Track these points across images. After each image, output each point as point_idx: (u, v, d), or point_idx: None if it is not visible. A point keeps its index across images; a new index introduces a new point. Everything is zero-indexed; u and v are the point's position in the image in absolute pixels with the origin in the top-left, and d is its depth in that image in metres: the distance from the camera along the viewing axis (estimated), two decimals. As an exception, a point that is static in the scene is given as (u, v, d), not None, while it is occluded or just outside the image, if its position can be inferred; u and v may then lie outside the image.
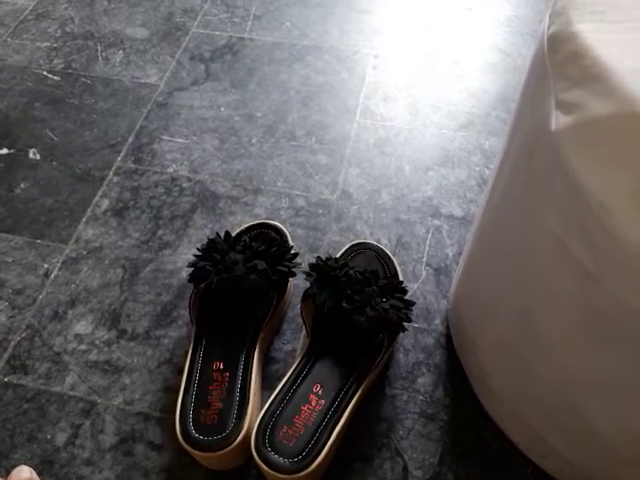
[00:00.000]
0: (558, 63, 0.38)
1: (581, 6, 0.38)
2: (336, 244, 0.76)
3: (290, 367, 0.61)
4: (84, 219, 0.79)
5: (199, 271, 0.62)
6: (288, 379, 0.59)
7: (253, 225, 0.71)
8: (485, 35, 1.04)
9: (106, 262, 0.74)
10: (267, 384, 0.64)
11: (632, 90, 0.32)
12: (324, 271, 0.61)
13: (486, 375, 0.60)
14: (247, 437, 0.55)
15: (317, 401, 0.57)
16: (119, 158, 0.86)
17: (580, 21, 0.37)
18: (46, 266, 0.74)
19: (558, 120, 0.36)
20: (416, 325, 0.69)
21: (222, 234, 0.66)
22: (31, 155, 0.86)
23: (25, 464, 0.58)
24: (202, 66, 0.98)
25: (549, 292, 0.43)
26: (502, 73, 0.97)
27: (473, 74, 0.97)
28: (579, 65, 0.36)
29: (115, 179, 0.83)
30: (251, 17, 1.07)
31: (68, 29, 1.05)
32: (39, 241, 0.76)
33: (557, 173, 0.37)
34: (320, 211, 0.79)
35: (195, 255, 0.64)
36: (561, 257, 0.39)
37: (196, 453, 0.54)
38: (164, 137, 0.88)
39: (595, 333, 0.40)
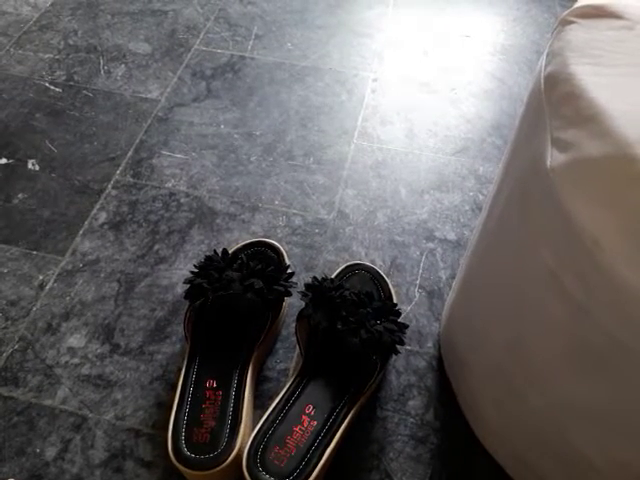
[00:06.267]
0: (554, 102, 0.39)
1: (578, 49, 0.40)
2: (331, 264, 0.77)
3: (283, 387, 0.61)
4: (81, 231, 0.79)
5: (195, 288, 0.62)
6: (281, 399, 0.59)
7: (250, 243, 0.72)
8: (481, 62, 1.06)
9: (102, 275, 0.74)
10: (259, 403, 0.64)
11: (624, 133, 0.34)
12: (320, 292, 0.62)
13: (476, 399, 0.60)
14: (239, 456, 0.55)
15: (309, 422, 0.58)
16: (118, 172, 0.86)
17: (576, 63, 0.39)
18: (41, 278, 0.74)
19: (553, 157, 0.38)
20: (408, 347, 0.69)
21: (219, 251, 0.67)
22: (30, 166, 0.86)
23: (13, 478, 0.59)
24: (203, 83, 0.99)
25: (540, 321, 0.44)
26: (497, 100, 0.99)
27: (469, 100, 0.99)
28: (574, 106, 0.37)
29: (113, 192, 0.83)
30: (253, 36, 1.09)
31: (71, 41, 1.06)
32: (35, 252, 0.76)
33: (551, 208, 0.38)
34: (316, 230, 0.80)
35: (192, 272, 0.64)
36: (553, 289, 0.40)
37: (187, 471, 0.54)
38: (163, 152, 0.89)
39: (584, 363, 0.41)
